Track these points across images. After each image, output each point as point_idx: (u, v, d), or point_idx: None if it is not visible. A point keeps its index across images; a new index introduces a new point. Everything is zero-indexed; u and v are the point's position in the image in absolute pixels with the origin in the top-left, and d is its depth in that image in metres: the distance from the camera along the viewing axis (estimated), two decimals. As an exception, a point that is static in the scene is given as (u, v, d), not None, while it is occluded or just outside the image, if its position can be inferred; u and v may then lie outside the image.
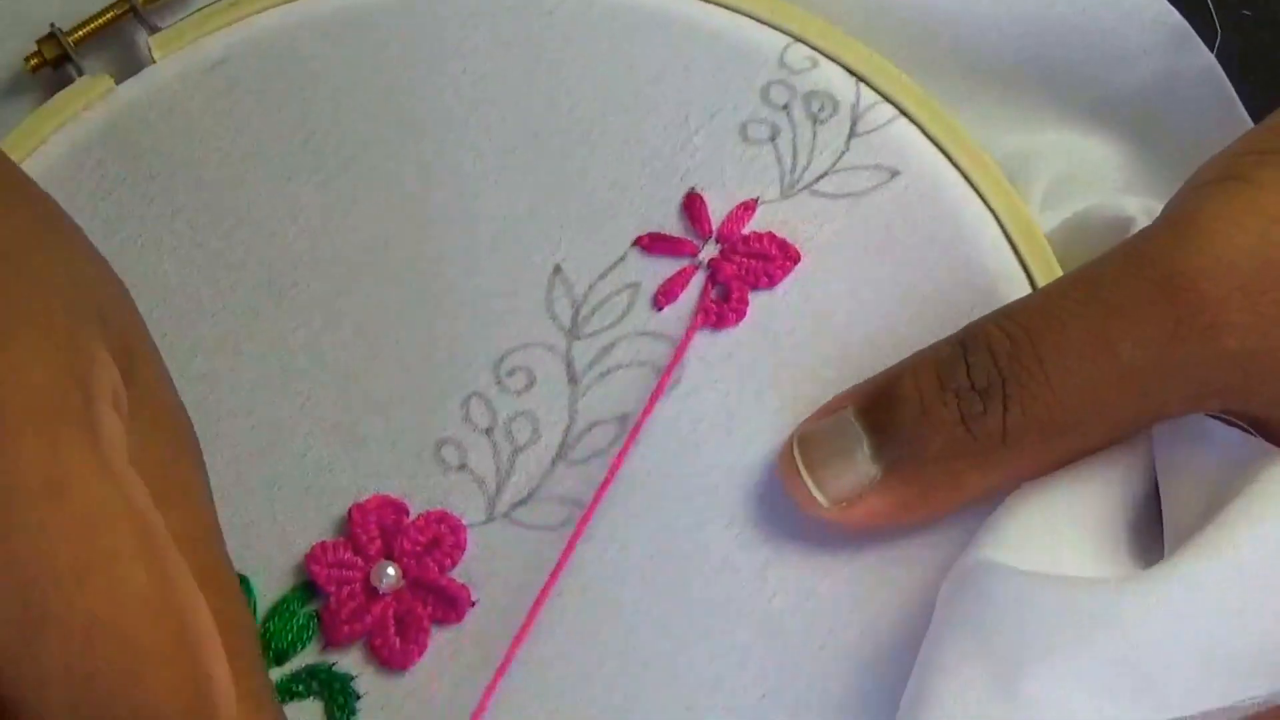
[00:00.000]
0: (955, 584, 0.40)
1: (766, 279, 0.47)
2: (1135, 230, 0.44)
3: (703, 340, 0.47)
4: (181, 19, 0.51)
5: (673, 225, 0.48)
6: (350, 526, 0.45)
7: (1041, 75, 0.52)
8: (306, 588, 0.44)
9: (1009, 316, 0.41)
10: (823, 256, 0.47)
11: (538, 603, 0.43)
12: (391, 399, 0.46)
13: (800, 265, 0.47)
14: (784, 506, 0.44)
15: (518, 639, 0.43)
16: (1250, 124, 0.51)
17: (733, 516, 0.45)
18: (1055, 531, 0.41)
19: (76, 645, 0.30)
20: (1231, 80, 0.50)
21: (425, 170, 0.49)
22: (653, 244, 0.48)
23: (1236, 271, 0.37)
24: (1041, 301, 0.41)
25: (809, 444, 0.43)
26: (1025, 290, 0.46)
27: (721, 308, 0.47)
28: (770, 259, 0.47)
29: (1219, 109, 0.51)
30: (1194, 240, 0.38)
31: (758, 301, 0.47)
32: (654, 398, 0.46)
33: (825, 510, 0.42)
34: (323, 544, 0.44)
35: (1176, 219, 0.39)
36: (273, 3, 0.51)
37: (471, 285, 0.48)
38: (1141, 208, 0.47)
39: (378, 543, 0.44)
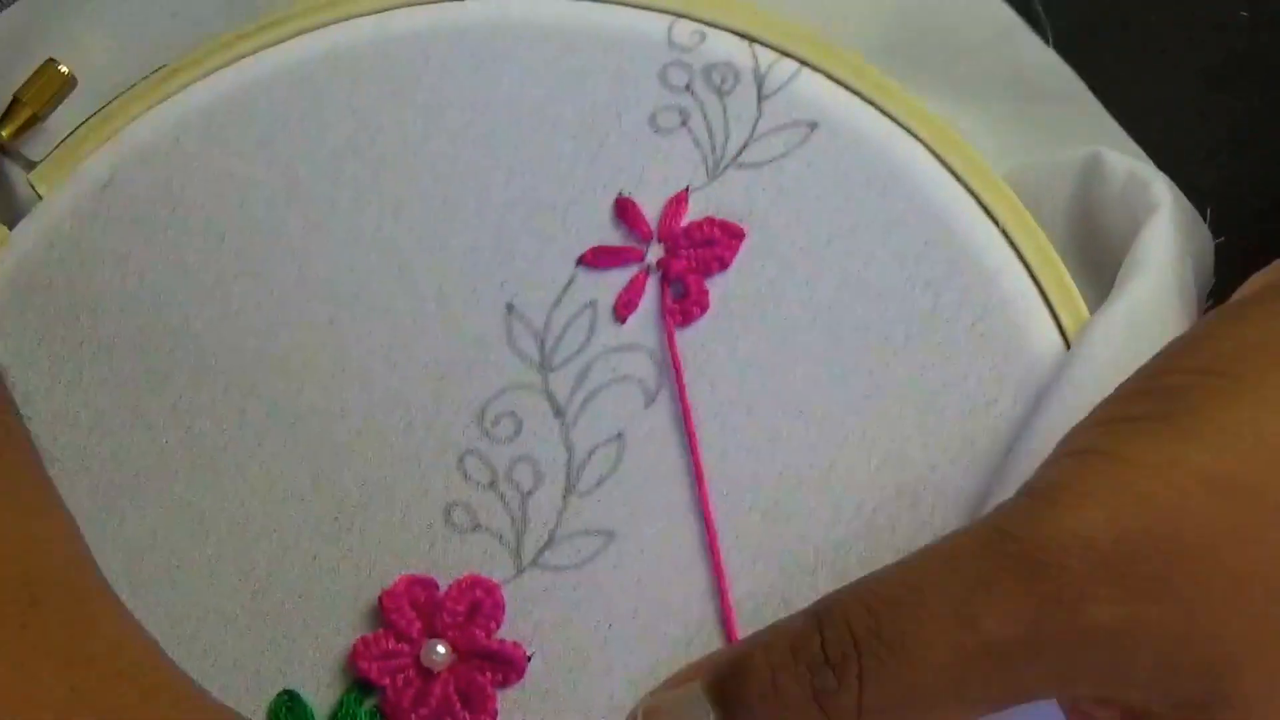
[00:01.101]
0: None
1: (719, 263, 0.47)
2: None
3: (679, 341, 0.47)
4: (56, 147, 0.50)
5: (611, 235, 0.48)
6: (385, 615, 0.44)
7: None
8: (359, 686, 0.44)
9: (867, 589, 0.38)
10: (767, 225, 0.47)
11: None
12: (386, 479, 0.46)
13: (748, 240, 0.47)
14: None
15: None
16: (1102, 112, 0.53)
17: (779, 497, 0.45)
18: None
19: None
20: (1229, 81, 0.51)
21: (346, 249, 0.48)
22: (597, 258, 0.47)
23: (1095, 546, 0.36)
24: (900, 575, 0.39)
25: (655, 717, 0.41)
26: (973, 212, 0.47)
27: (684, 304, 0.47)
28: (717, 243, 0.47)
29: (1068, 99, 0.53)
30: (1051, 515, 0.37)
31: (717, 286, 0.47)
32: (687, 413, 0.46)
33: None
34: (364, 639, 0.44)
35: (1035, 492, 0.38)
36: (143, 109, 0.50)
37: (430, 347, 0.47)
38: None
39: (417, 624, 0.44)
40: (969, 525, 0.39)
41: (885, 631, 0.37)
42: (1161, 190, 0.46)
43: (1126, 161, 0.47)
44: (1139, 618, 0.36)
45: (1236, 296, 0.42)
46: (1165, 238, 0.45)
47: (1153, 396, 0.38)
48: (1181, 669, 0.37)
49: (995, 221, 0.47)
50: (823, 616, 0.38)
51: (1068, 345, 0.45)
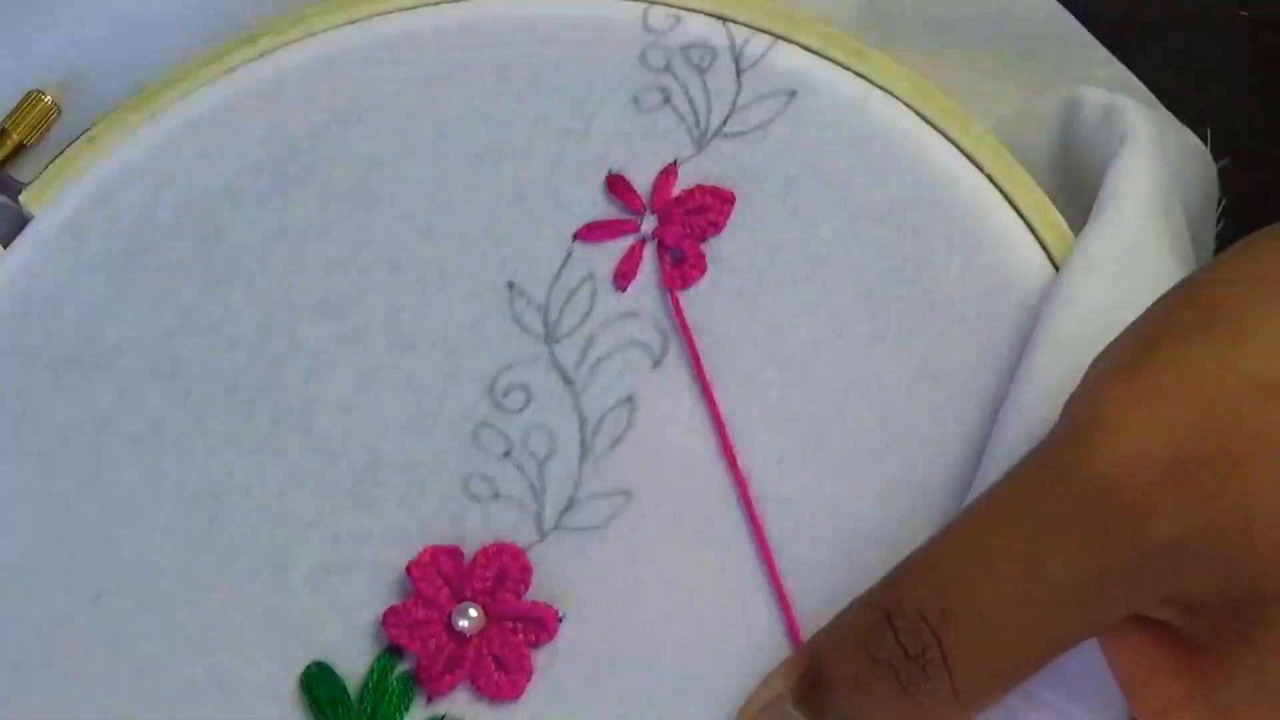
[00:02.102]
0: None
1: (712, 227, 0.48)
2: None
3: (683, 303, 0.47)
4: (45, 168, 0.50)
5: (605, 211, 0.49)
6: (413, 583, 0.44)
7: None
8: (390, 653, 0.44)
9: (926, 567, 0.38)
10: (757, 188, 0.48)
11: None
12: (401, 456, 0.46)
13: (739, 203, 0.48)
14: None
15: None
16: (1100, 48, 0.54)
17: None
18: None
19: None
20: (1225, 81, 0.52)
21: (342, 244, 0.49)
22: (592, 233, 0.48)
23: (1154, 461, 0.36)
24: (961, 544, 0.38)
25: None
26: (956, 159, 0.48)
27: (682, 268, 0.47)
28: (709, 208, 0.48)
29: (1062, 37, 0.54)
30: (1105, 439, 0.36)
31: (713, 250, 0.48)
32: (699, 367, 0.46)
33: None
34: (393, 608, 0.44)
35: (1082, 420, 0.37)
36: (129, 128, 0.50)
37: (434, 328, 0.47)
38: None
39: (445, 590, 0.44)
40: (1016, 469, 0.38)
41: (957, 608, 0.37)
42: (1134, 118, 0.47)
43: (1102, 96, 0.49)
44: (1198, 525, 0.36)
45: None
46: (1140, 165, 0.46)
47: (1195, 306, 0.38)
48: (1238, 568, 0.36)
49: (979, 167, 0.48)
50: (890, 609, 0.38)
51: (1060, 276, 0.47)
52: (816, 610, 0.43)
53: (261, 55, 0.51)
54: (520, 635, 0.44)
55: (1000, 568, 0.37)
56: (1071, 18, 0.53)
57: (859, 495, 0.45)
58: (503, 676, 0.43)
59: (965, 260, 0.47)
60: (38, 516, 0.46)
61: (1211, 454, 0.36)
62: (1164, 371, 0.37)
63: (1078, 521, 0.36)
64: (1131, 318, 0.41)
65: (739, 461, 0.45)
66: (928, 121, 0.49)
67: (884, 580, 0.39)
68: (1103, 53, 0.53)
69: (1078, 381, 0.40)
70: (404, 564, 0.44)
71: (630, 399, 0.46)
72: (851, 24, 0.53)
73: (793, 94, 0.49)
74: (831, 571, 0.44)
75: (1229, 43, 0.50)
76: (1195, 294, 0.38)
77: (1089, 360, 0.41)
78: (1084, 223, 0.47)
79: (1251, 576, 0.37)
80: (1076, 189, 0.49)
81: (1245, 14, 0.53)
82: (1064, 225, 0.47)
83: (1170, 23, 0.53)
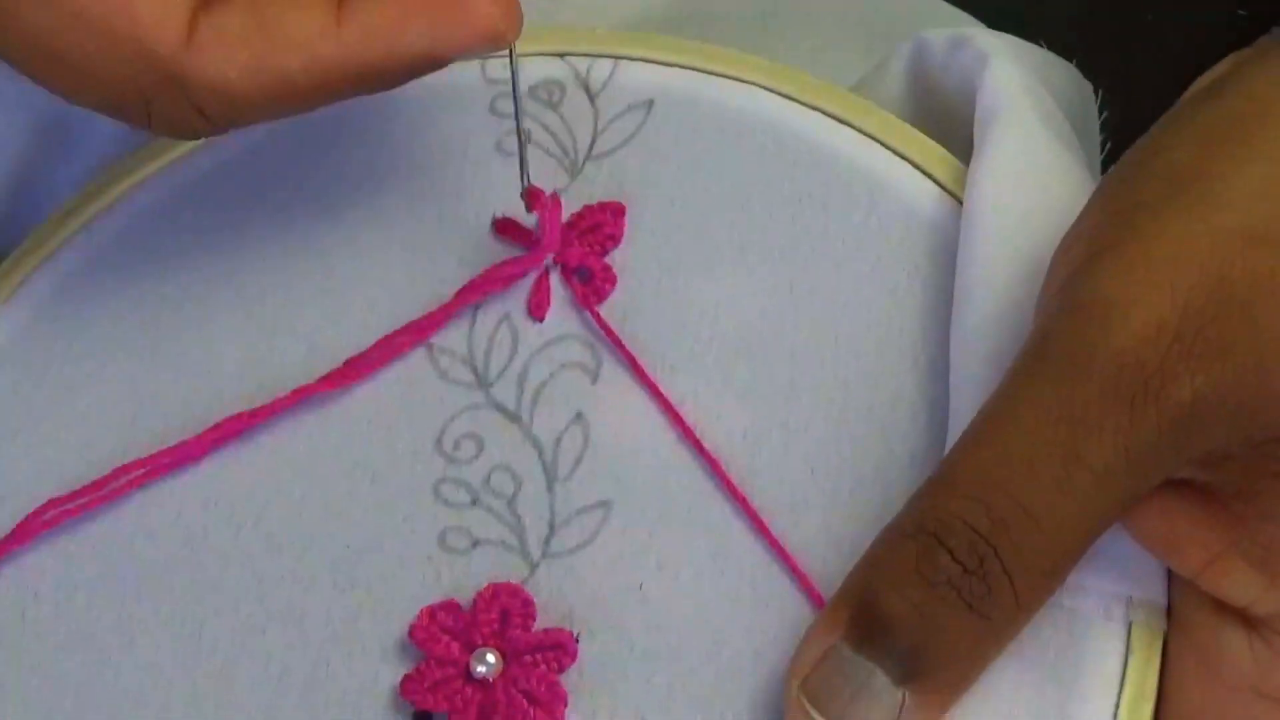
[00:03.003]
0: None
1: (611, 240, 0.48)
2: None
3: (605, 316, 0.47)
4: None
5: (501, 254, 0.48)
6: (420, 647, 0.43)
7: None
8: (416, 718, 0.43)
9: (968, 482, 0.38)
10: (644, 196, 0.49)
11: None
12: (370, 531, 0.45)
13: (631, 212, 0.48)
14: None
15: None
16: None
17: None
18: None
19: None
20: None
21: (265, 333, 0.49)
22: (494, 277, 0.48)
23: (1165, 327, 0.36)
24: (994, 452, 0.38)
25: (819, 695, 0.39)
26: (826, 123, 0.49)
27: (594, 285, 0.47)
28: (602, 223, 0.48)
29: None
30: (1115, 317, 0.37)
31: (618, 261, 0.48)
32: (648, 382, 0.46)
33: None
34: (408, 675, 0.42)
35: (1089, 304, 0.37)
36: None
37: (368, 409, 0.47)
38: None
39: (454, 644, 0.43)
40: (1026, 367, 0.38)
41: (1006, 514, 0.37)
42: (984, 39, 0.49)
43: (945, 32, 0.50)
44: (1216, 378, 0.36)
45: (1205, 79, 0.42)
46: (1008, 79, 0.48)
47: (1157, 177, 0.39)
48: (1259, 411, 0.37)
49: (849, 124, 0.49)
50: (936, 530, 0.37)
51: (957, 200, 0.47)
52: (824, 562, 0.43)
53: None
54: (543, 666, 0.42)
55: (1040, 466, 0.37)
56: None
57: (830, 445, 0.45)
58: (539, 711, 0.42)
59: (867, 208, 0.47)
60: None
61: (1215, 308, 0.36)
62: (1152, 242, 0.37)
63: (1106, 403, 0.36)
64: (1053, 216, 0.41)
65: (706, 445, 0.45)
66: (788, 98, 0.50)
67: (914, 508, 0.38)
68: (939, 4, 0.54)
69: (1027, 283, 0.40)
70: (406, 632, 0.43)
71: (580, 416, 0.46)
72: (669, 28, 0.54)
73: (650, 103, 0.50)
74: (826, 523, 0.44)
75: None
76: (1153, 166, 0.39)
77: (1026, 259, 0.42)
78: (962, 154, 0.48)
79: (1274, 415, 0.37)
80: (943, 126, 0.50)
81: (1243, 12, 0.54)
82: (950, 156, 0.48)
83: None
